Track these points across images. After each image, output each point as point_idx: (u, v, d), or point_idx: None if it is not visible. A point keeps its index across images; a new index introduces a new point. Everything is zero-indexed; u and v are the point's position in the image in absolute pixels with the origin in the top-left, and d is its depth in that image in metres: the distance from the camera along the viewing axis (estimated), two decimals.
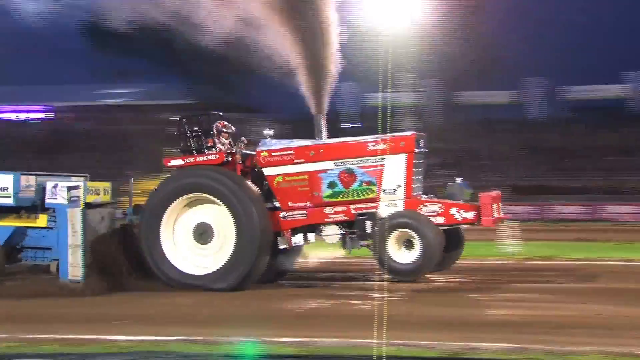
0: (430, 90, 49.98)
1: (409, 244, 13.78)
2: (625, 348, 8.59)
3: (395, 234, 13.75)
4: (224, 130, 15.14)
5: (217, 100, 42.70)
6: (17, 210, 14.88)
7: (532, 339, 9.12)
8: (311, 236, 14.62)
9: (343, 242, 14.50)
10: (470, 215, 14.06)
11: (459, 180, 14.72)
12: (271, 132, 15.05)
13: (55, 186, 14.74)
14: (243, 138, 15.24)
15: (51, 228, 14.75)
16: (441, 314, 11.31)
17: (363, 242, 14.40)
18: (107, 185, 15.68)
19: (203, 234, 14.36)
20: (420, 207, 14.15)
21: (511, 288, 13.87)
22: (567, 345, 8.81)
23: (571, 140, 48.99)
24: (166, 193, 14.35)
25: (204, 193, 14.22)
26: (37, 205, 14.89)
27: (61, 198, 14.68)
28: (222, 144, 15.01)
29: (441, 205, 14.13)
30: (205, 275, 14.05)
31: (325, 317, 11.68)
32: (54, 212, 14.72)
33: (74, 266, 13.90)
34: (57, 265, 14.74)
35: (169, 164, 14.69)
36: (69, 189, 14.39)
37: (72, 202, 14.23)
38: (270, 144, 14.82)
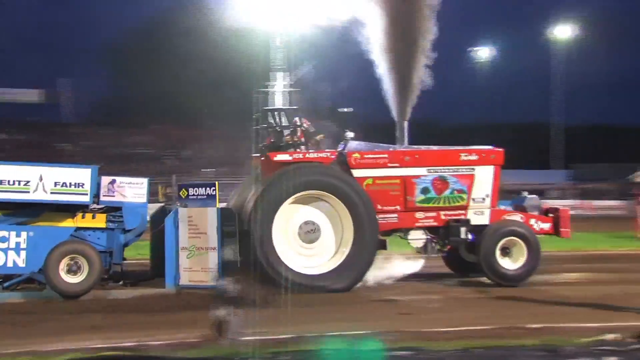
0: None
1: (506, 252, 14.53)
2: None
3: (502, 241, 14.44)
4: (304, 127, 14.97)
5: None
6: (71, 209, 13.41)
7: None
8: None
9: (424, 247, 14.93)
10: (546, 226, 15.12)
11: (525, 193, 15.71)
12: (352, 134, 15.11)
13: (112, 182, 13.69)
14: (322, 136, 15.13)
15: (111, 229, 13.62)
16: None
17: (441, 249, 14.98)
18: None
19: (309, 232, 14.05)
20: (505, 216, 14.99)
21: None
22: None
23: None
24: (282, 190, 13.81)
25: (324, 191, 13.94)
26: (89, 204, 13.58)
27: (120, 195, 13.62)
28: (302, 143, 14.85)
29: (522, 216, 15.07)
30: (321, 275, 13.79)
31: None
32: (114, 210, 13.64)
33: (195, 270, 13.08)
34: (121, 268, 13.81)
35: (276, 159, 14.19)
36: (184, 187, 13.51)
37: (195, 200, 13.32)
38: (357, 146, 14.90)
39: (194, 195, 13.46)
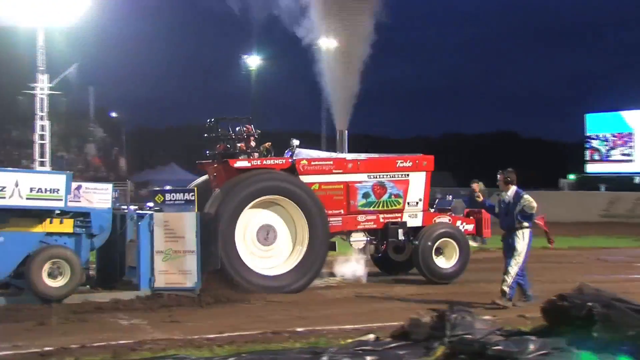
0: None
1: (440, 251, 15.93)
2: None
3: (438, 242, 15.82)
4: (253, 134, 15.79)
5: None
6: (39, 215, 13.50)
7: None
8: None
9: (364, 249, 16.10)
10: (470, 227, 16.69)
11: (450, 197, 17.24)
12: (298, 142, 16.06)
13: (78, 188, 13.97)
14: (269, 144, 15.99)
15: (78, 235, 13.83)
16: None
17: (377, 249, 16.23)
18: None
19: (266, 235, 14.89)
20: (435, 219, 16.42)
21: None
22: None
23: None
24: (244, 195, 14.53)
25: (282, 196, 14.79)
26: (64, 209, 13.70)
27: (86, 201, 13.83)
28: (256, 150, 15.67)
29: (450, 219, 16.56)
30: (280, 275, 14.65)
31: None
32: (80, 216, 13.79)
33: (171, 273, 13.55)
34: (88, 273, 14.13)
35: (235, 165, 14.89)
36: (160, 192, 13.95)
37: (172, 205, 13.75)
38: (304, 154, 15.89)
39: (171, 200, 13.94)
